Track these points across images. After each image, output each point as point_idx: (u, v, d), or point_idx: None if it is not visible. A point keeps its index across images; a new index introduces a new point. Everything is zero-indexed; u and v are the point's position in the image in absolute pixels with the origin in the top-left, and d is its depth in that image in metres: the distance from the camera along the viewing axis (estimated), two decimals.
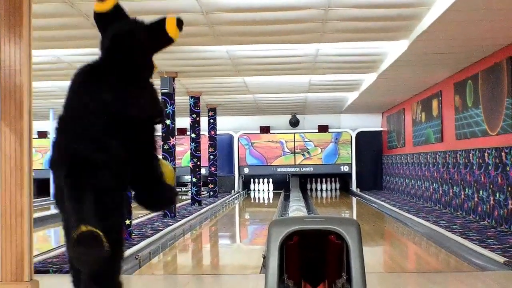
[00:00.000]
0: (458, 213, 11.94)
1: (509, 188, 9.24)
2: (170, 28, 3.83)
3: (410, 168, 16.81)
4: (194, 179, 15.90)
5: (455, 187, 12.28)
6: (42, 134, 21.36)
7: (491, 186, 10.07)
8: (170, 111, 12.34)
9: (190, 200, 16.11)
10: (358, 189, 20.83)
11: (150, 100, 3.82)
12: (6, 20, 5.03)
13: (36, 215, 11.25)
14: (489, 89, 10.15)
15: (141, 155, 3.81)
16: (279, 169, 21.88)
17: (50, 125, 18.63)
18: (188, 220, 11.94)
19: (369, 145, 21.43)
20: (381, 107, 19.49)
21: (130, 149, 3.73)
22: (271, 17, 7.94)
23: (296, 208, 14.03)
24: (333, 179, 22.47)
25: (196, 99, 15.69)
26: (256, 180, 22.58)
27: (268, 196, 21.10)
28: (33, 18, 5.21)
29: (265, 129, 21.79)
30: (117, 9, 3.94)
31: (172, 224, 10.79)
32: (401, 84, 13.87)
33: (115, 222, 3.72)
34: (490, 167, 10.09)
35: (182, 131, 20.66)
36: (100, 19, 3.93)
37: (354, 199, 18.93)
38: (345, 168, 21.69)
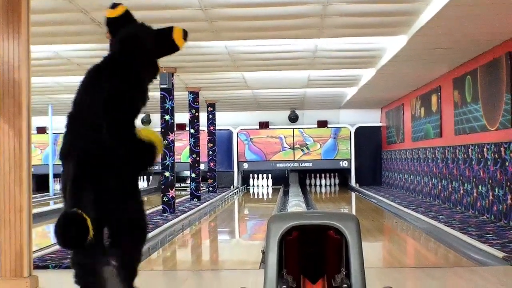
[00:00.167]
0: (457, 208, 11.95)
1: (508, 183, 9.24)
2: (177, 36, 4.08)
3: (409, 164, 16.82)
4: (193, 175, 15.91)
5: (454, 183, 12.29)
6: (41, 130, 21.34)
7: (490, 181, 10.08)
8: (169, 107, 12.34)
9: (189, 196, 16.12)
10: (357, 185, 20.84)
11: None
12: (5, 16, 5.03)
13: (35, 210, 11.24)
14: (488, 85, 10.15)
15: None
16: (278, 165, 21.89)
17: (49, 121, 18.63)
18: (187, 216, 11.95)
19: (368, 140, 21.43)
20: (380, 102, 19.49)
21: (130, 149, 3.88)
22: (270, 12, 7.93)
23: (295, 203, 14.04)
24: (332, 174, 22.47)
25: (195, 95, 15.68)
26: (255, 175, 22.58)
27: (267, 192, 21.11)
28: (31, 14, 5.20)
29: (264, 125, 21.78)
30: (127, 15, 4.15)
31: (171, 220, 10.80)
32: (400, 80, 13.87)
33: (113, 217, 3.92)
34: (489, 162, 10.10)
35: (181, 127, 20.65)
36: (111, 24, 4.14)
37: (353, 195, 18.94)
38: (344, 164, 21.69)
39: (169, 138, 12.29)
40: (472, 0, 7.05)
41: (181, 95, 15.44)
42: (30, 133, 5.13)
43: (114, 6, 4.13)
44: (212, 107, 18.37)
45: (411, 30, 8.82)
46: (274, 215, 3.00)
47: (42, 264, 6.66)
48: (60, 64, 11.47)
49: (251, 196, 19.89)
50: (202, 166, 16.98)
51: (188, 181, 17.55)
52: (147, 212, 11.96)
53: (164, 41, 4.10)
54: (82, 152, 3.85)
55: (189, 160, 16.36)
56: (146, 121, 20.70)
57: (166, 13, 7.88)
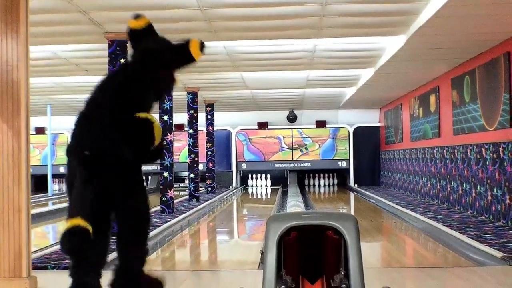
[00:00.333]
0: (456, 208, 11.96)
1: (507, 183, 9.25)
2: (194, 49, 4.40)
3: (407, 164, 16.82)
4: (192, 175, 15.90)
5: (452, 183, 12.29)
6: (40, 130, 21.33)
7: (488, 181, 10.08)
8: (168, 107, 12.34)
9: (188, 196, 16.12)
10: (356, 185, 20.84)
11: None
12: (3, 16, 5.03)
13: (33, 211, 11.25)
14: (486, 84, 10.16)
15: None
16: (277, 165, 21.89)
17: (47, 121, 18.62)
18: (186, 216, 11.95)
19: (366, 140, 21.44)
20: (378, 102, 19.50)
21: (128, 126, 4.11)
22: (269, 12, 7.93)
23: (294, 203, 14.04)
24: (330, 174, 22.47)
25: (193, 95, 15.68)
26: (254, 175, 22.57)
27: (266, 192, 21.11)
28: (30, 14, 5.20)
29: (262, 125, 21.78)
30: (149, 28, 4.49)
31: (170, 220, 10.80)
32: (399, 80, 13.88)
33: (119, 210, 4.25)
34: (487, 162, 10.10)
35: (180, 127, 20.65)
36: (133, 35, 4.43)
37: (352, 195, 18.95)
38: (342, 164, 21.70)
39: (168, 139, 12.29)
40: (471, 0, 7.06)
41: (179, 95, 15.44)
42: (29, 133, 5.13)
43: (137, 17, 4.43)
44: (210, 107, 18.37)
45: (409, 30, 8.82)
46: (273, 216, 3.00)
47: (41, 264, 6.66)
48: (58, 64, 11.47)
49: (250, 197, 19.89)
50: (200, 167, 16.98)
51: (187, 182, 17.54)
52: None
53: (181, 54, 4.37)
54: (88, 148, 4.04)
55: (187, 160, 16.35)
56: None
57: (164, 13, 7.88)
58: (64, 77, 13.13)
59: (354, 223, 2.90)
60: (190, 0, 7.39)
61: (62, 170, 22.03)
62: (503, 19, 8.04)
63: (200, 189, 16.49)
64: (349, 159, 21.62)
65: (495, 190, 9.78)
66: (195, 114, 16.02)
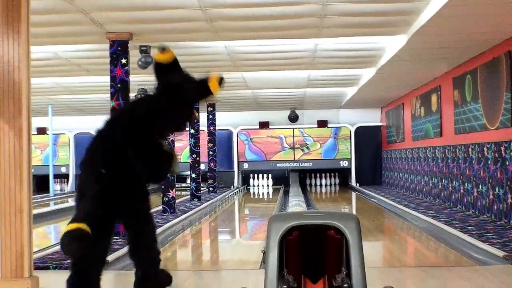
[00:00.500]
0: (458, 208, 11.95)
1: (508, 183, 9.24)
2: (213, 85, 4.65)
3: (409, 163, 16.82)
4: (193, 175, 15.90)
5: (454, 182, 12.29)
6: (41, 131, 21.34)
7: (490, 181, 10.08)
8: None
9: (189, 196, 16.12)
10: (358, 184, 20.84)
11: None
12: (5, 16, 5.03)
13: (35, 211, 11.25)
14: (488, 84, 10.15)
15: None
16: (278, 165, 21.88)
17: (49, 121, 18.62)
18: (187, 216, 11.95)
19: (368, 140, 21.43)
20: (380, 102, 19.49)
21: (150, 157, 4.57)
22: (270, 12, 7.93)
23: (296, 203, 14.04)
24: (332, 174, 22.47)
25: None
26: (256, 175, 22.58)
27: (268, 192, 21.11)
28: (31, 14, 5.20)
29: (264, 125, 21.78)
30: (174, 62, 4.79)
31: (171, 220, 10.80)
32: (400, 79, 13.87)
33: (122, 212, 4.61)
34: (489, 162, 10.10)
35: None
36: (159, 67, 4.77)
37: (353, 194, 18.95)
38: (344, 163, 21.69)
39: (169, 139, 12.28)
40: (472, 0, 7.05)
41: None
42: (30, 133, 5.13)
43: (163, 50, 4.75)
44: (212, 107, 18.36)
45: (410, 29, 8.81)
46: (275, 215, 3.00)
47: (42, 264, 6.67)
48: (59, 64, 11.47)
49: (252, 196, 19.89)
50: (202, 166, 16.98)
51: (189, 181, 17.54)
52: None
53: (201, 89, 4.67)
54: (104, 167, 4.43)
55: (189, 160, 16.35)
56: None
57: (165, 13, 7.88)
58: (65, 77, 13.13)
59: (356, 222, 2.90)
60: (191, 0, 7.39)
61: (63, 170, 22.06)
62: (504, 18, 8.03)
63: (201, 189, 16.49)
64: (350, 159, 21.61)
65: (496, 189, 9.78)
66: (197, 114, 15.98)
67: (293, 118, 21.45)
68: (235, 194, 19.34)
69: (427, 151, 14.62)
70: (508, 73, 9.18)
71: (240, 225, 12.72)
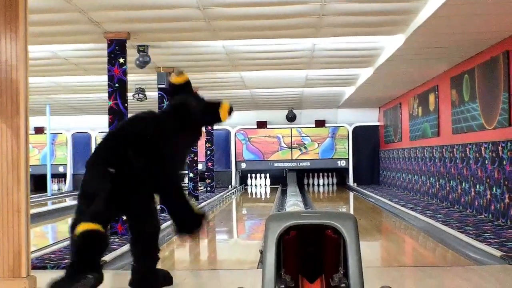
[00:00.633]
0: (455, 207, 11.96)
1: (506, 182, 9.25)
2: (223, 112, 4.85)
3: (407, 163, 16.83)
4: (191, 174, 15.89)
5: (451, 182, 12.30)
6: (39, 130, 21.32)
7: (487, 180, 10.09)
8: None
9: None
10: (355, 184, 20.85)
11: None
12: (2, 15, 5.02)
13: (33, 211, 11.23)
14: (485, 83, 10.16)
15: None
16: (276, 164, 21.89)
17: (46, 121, 18.61)
18: None
19: (366, 139, 21.44)
20: (377, 101, 19.50)
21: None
22: (268, 11, 7.93)
23: (293, 203, 14.03)
24: (330, 173, 22.48)
25: None
26: (253, 175, 22.58)
27: (265, 191, 21.11)
28: (29, 14, 5.19)
29: (262, 124, 21.79)
30: (188, 84, 5.02)
31: (169, 220, 10.78)
32: (398, 79, 13.87)
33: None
34: (486, 161, 10.11)
35: None
36: (173, 88, 5.01)
37: (351, 194, 18.95)
38: (342, 163, 21.70)
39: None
40: (469, 0, 7.06)
41: None
42: (28, 133, 5.13)
43: (179, 73, 5.00)
44: None
45: (408, 29, 8.82)
46: (272, 215, 3.00)
47: (40, 264, 6.65)
48: (57, 64, 11.46)
49: (249, 196, 19.89)
50: (200, 166, 16.98)
51: (186, 181, 17.54)
52: None
53: (210, 114, 4.88)
54: (113, 166, 4.55)
55: (187, 159, 16.34)
56: None
57: (163, 12, 7.88)
58: (63, 76, 13.12)
59: (354, 222, 2.90)
60: (190, 0, 7.38)
61: (61, 169, 22.04)
62: (502, 18, 8.04)
63: (199, 188, 16.48)
64: (348, 158, 21.63)
65: (494, 189, 9.79)
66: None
67: (291, 118, 21.46)
68: (233, 194, 19.34)
69: (425, 150, 14.64)
70: (506, 72, 9.19)
71: (237, 225, 12.72)
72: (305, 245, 3.00)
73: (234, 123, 21.71)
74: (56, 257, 7.07)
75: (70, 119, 21.58)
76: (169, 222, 10.41)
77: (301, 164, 21.83)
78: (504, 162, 9.29)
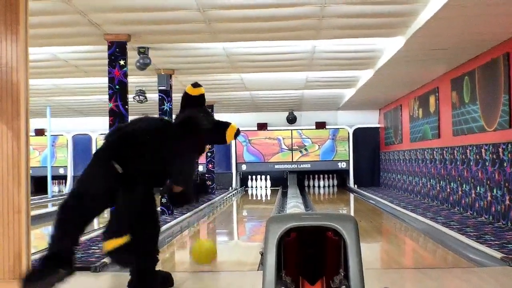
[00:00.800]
0: (456, 209, 11.96)
1: (506, 184, 9.25)
2: (229, 133, 4.94)
3: (407, 165, 16.82)
4: None
5: (452, 183, 12.29)
6: (39, 132, 21.33)
7: (488, 182, 10.09)
8: (167, 108, 12.34)
9: None
10: (356, 186, 20.84)
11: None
12: (3, 18, 5.03)
13: (33, 212, 11.21)
14: (486, 85, 10.16)
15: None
16: (276, 166, 21.89)
17: (47, 123, 18.61)
18: (185, 217, 11.94)
19: (366, 141, 21.44)
20: (378, 103, 19.50)
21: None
22: (268, 14, 7.94)
23: (294, 204, 14.03)
24: (330, 175, 22.47)
25: None
26: (254, 177, 22.57)
27: (266, 193, 21.10)
28: (29, 16, 5.20)
29: (262, 126, 21.79)
30: (202, 97, 5.10)
31: (169, 221, 10.80)
32: (398, 81, 13.88)
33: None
34: (487, 163, 10.10)
35: None
36: (188, 99, 5.09)
37: (351, 196, 18.94)
38: (342, 165, 21.70)
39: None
40: (470, 1, 7.06)
41: (179, 97, 15.38)
42: (29, 135, 5.13)
43: (196, 86, 5.07)
44: (210, 109, 18.35)
45: (408, 31, 8.82)
46: (273, 217, 3.00)
47: None
48: (58, 66, 11.47)
49: (250, 198, 19.88)
50: (200, 168, 16.96)
51: None
52: None
53: (217, 133, 4.94)
54: (123, 166, 4.55)
55: None
56: None
57: (164, 14, 7.88)
58: (64, 78, 13.13)
59: (354, 224, 2.90)
60: (190, 2, 7.39)
61: (61, 171, 22.04)
62: (502, 20, 8.04)
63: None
64: (348, 160, 21.62)
65: (494, 190, 9.78)
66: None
67: (291, 120, 21.45)
68: (233, 196, 19.33)
69: (425, 152, 14.63)
70: (506, 74, 9.19)
71: (238, 227, 12.71)
72: (306, 247, 3.01)
73: None
74: None
75: (70, 121, 21.59)
76: (169, 224, 10.43)
77: (301, 166, 21.83)
78: (505, 164, 9.28)
